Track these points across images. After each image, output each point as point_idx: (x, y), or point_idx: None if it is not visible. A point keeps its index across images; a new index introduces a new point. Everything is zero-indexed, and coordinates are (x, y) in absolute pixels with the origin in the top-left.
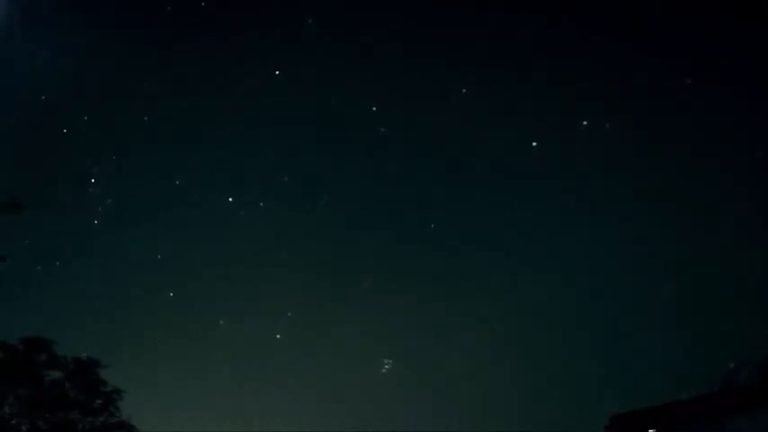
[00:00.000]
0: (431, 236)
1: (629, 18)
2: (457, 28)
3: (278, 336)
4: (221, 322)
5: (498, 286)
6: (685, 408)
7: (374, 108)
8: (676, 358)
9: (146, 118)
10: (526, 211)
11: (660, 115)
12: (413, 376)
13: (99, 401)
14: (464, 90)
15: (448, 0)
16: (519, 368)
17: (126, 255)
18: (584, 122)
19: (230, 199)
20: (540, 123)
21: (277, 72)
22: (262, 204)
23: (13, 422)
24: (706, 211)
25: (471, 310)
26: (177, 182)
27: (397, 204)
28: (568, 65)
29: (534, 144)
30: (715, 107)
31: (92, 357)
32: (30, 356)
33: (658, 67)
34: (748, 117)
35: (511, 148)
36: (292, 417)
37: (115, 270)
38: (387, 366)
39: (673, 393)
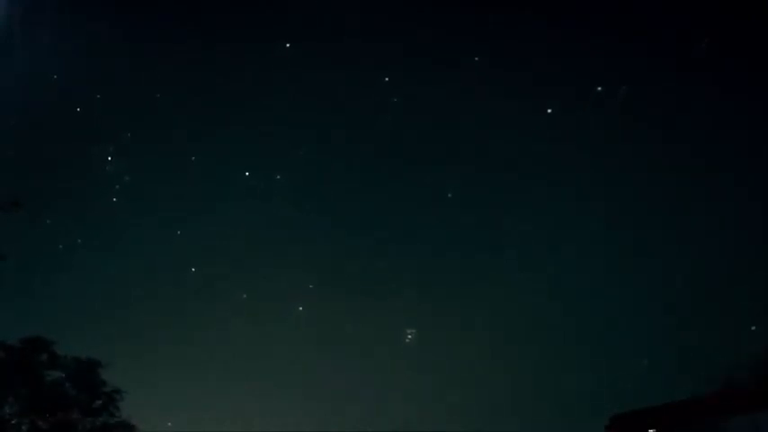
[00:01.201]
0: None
1: None
2: None
3: (300, 308)
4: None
5: (498, 286)
6: (685, 408)
7: (387, 78)
8: (676, 358)
9: (158, 95)
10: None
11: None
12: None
13: (99, 401)
14: (476, 58)
15: None
16: (519, 368)
17: (126, 253)
18: (599, 88)
19: (246, 173)
20: (554, 89)
21: (288, 44)
22: (279, 177)
23: (13, 422)
24: (707, 210)
25: (472, 311)
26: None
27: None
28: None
29: (549, 111)
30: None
31: (92, 357)
32: (30, 356)
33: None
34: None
35: (525, 116)
36: (294, 416)
37: (115, 271)
38: (410, 336)
39: (673, 393)
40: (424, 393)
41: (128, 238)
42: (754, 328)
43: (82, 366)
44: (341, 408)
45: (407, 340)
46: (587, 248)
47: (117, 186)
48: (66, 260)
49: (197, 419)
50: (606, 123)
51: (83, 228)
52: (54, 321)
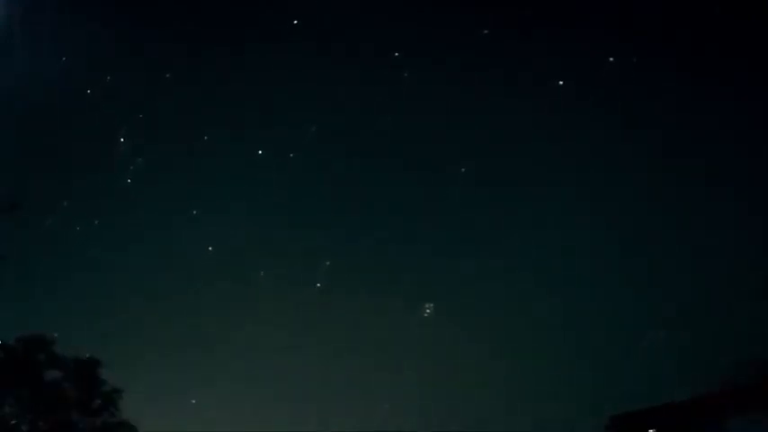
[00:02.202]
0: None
1: None
2: None
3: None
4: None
5: (496, 286)
6: (685, 408)
7: (396, 54)
8: (676, 358)
9: (168, 75)
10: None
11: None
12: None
13: (99, 401)
14: (485, 31)
15: None
16: (519, 369)
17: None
18: (611, 59)
19: (260, 152)
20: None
21: (295, 21)
22: (292, 155)
23: (13, 422)
24: (707, 210)
25: (471, 311)
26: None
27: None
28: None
29: (561, 83)
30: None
31: (92, 357)
32: (30, 356)
33: None
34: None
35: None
36: (293, 417)
37: (114, 270)
38: (428, 310)
39: (673, 393)
40: (423, 393)
41: (127, 237)
42: (753, 328)
43: (81, 366)
44: (341, 408)
45: (426, 314)
46: (588, 248)
47: (131, 167)
48: (65, 260)
49: (197, 419)
50: (606, 123)
51: (82, 227)
52: (54, 321)
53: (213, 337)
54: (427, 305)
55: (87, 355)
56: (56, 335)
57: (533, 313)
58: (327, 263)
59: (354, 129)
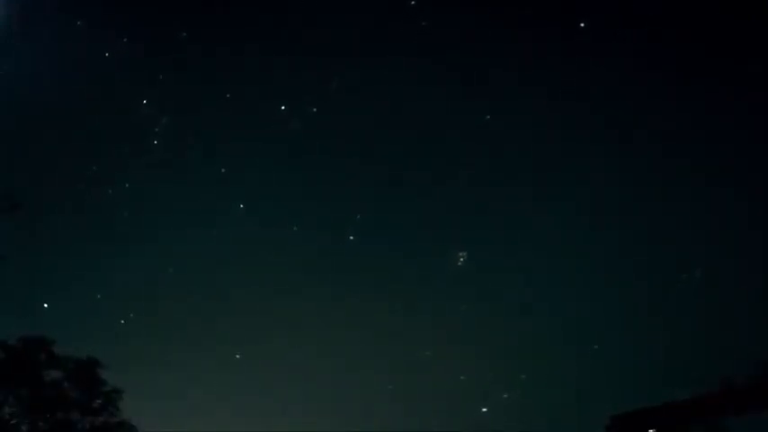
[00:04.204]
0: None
1: None
2: None
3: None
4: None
5: (496, 286)
6: (685, 408)
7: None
8: (676, 358)
9: (185, 33)
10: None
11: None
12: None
13: (99, 401)
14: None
15: None
16: (519, 369)
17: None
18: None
19: (283, 107)
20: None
21: None
22: (315, 110)
23: (13, 422)
24: (707, 210)
25: (470, 312)
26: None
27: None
28: None
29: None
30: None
31: (92, 357)
32: (30, 356)
33: None
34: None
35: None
36: (293, 416)
37: (114, 270)
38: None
39: (673, 393)
40: (423, 394)
41: (129, 236)
42: (753, 328)
43: (81, 366)
44: (340, 408)
45: (459, 263)
46: (588, 247)
47: (156, 129)
48: (65, 260)
49: (197, 419)
50: (606, 123)
51: (85, 224)
52: (54, 321)
53: (213, 336)
54: (461, 254)
55: (87, 356)
56: (55, 338)
57: (533, 313)
58: (318, 286)
59: (380, 78)
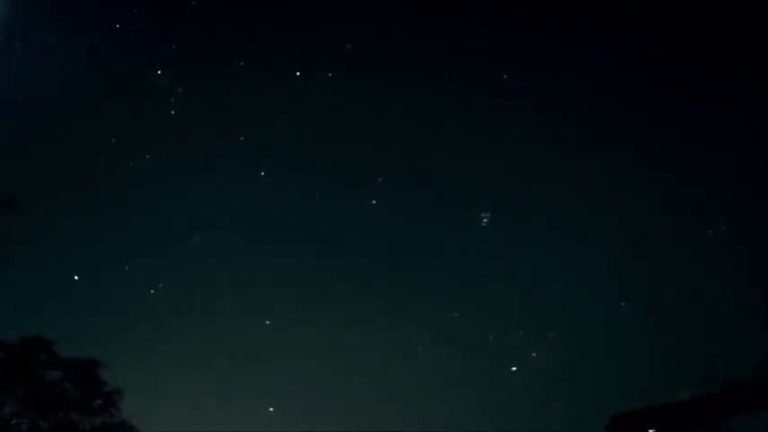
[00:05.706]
0: None
1: None
2: None
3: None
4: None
5: (495, 286)
6: (685, 408)
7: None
8: (676, 358)
9: (194, 2)
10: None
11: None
12: None
13: (99, 401)
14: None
15: None
16: (519, 368)
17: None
18: None
19: (298, 73)
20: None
21: None
22: (330, 75)
23: (13, 422)
24: (708, 212)
25: (469, 312)
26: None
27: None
28: None
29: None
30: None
31: (92, 357)
32: (30, 356)
33: None
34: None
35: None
36: (293, 416)
37: (114, 271)
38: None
39: (673, 393)
40: (422, 394)
41: (129, 236)
42: (753, 328)
43: (82, 366)
44: (341, 409)
45: (483, 224)
46: (588, 248)
47: (172, 99)
48: (65, 260)
49: (197, 419)
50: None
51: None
52: (54, 321)
53: (213, 337)
54: (484, 215)
55: (87, 356)
56: (55, 338)
57: (533, 313)
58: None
59: (398, 40)
